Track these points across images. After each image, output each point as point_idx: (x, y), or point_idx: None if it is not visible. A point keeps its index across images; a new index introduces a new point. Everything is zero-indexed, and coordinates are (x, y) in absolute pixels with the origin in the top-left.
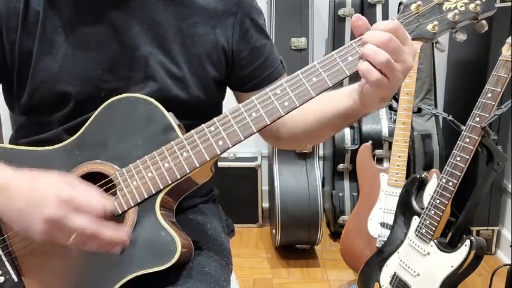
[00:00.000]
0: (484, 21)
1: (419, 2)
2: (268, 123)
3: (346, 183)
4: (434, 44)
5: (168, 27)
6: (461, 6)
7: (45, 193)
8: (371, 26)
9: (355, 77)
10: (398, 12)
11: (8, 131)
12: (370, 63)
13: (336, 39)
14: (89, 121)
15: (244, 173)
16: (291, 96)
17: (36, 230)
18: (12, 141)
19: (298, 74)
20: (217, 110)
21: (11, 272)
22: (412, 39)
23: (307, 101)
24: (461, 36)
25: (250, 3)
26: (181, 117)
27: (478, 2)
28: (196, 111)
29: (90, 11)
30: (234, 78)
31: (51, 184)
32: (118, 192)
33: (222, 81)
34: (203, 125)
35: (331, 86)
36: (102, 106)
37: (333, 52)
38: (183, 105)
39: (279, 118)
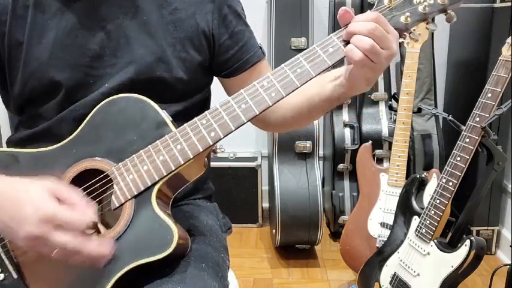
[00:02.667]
0: (452, 13)
1: None
2: (257, 113)
3: (346, 183)
4: (409, 35)
5: (151, 13)
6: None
7: (27, 209)
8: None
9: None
10: None
11: (7, 132)
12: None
13: None
14: (85, 121)
15: (244, 173)
16: (277, 87)
17: (20, 244)
18: (10, 141)
19: (283, 66)
20: (204, 95)
21: (10, 269)
22: None
23: (293, 91)
24: (432, 27)
25: None
26: (169, 101)
27: None
28: (182, 93)
29: (77, 3)
30: (216, 63)
31: (34, 198)
32: (115, 186)
33: (207, 66)
34: (195, 118)
35: (314, 76)
36: (97, 106)
37: (314, 45)
38: (168, 86)
39: (267, 108)
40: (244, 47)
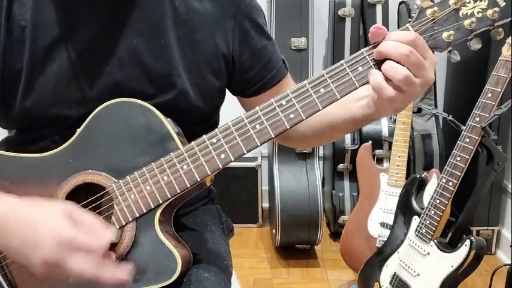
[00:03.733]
0: (500, 29)
1: (435, 8)
2: (273, 136)
3: (346, 183)
4: (449, 54)
5: (167, 34)
6: (478, 13)
7: (43, 234)
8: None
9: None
10: (398, 12)
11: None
12: (387, 77)
13: (336, 39)
14: (82, 126)
15: (244, 173)
16: (297, 109)
17: (35, 269)
18: (2, 145)
19: (305, 84)
20: (215, 117)
21: (5, 286)
22: None
23: (313, 114)
24: (476, 45)
25: (248, 2)
26: (179, 126)
27: (496, 8)
28: (195, 119)
29: (84, 26)
30: (236, 83)
31: (51, 222)
32: (115, 205)
33: (224, 89)
34: (204, 136)
35: (339, 98)
36: (96, 110)
37: (342, 61)
38: (183, 115)
39: (284, 131)
40: (267, 65)
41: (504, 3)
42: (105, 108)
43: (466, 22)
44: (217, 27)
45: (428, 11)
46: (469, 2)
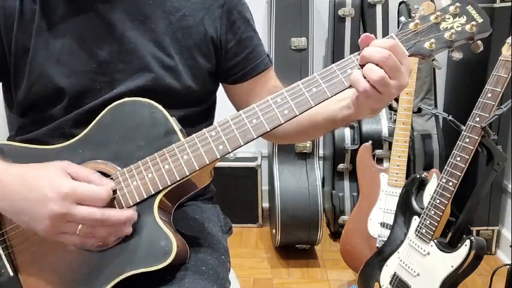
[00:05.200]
0: (479, 42)
1: (417, 21)
2: (268, 130)
3: (346, 183)
4: (431, 62)
5: (158, 21)
6: (457, 27)
7: (44, 189)
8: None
9: None
10: (398, 12)
11: (4, 133)
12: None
13: (336, 39)
14: (94, 122)
15: (244, 173)
16: (291, 105)
17: (42, 226)
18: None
19: (299, 84)
20: (210, 101)
21: (7, 266)
22: (410, 55)
23: (306, 110)
24: (457, 55)
25: None
26: (175, 107)
27: (473, 23)
28: (189, 100)
29: (84, 8)
30: (222, 69)
31: (48, 178)
32: (118, 191)
33: (214, 72)
34: (204, 130)
35: (330, 96)
36: (107, 108)
37: (333, 65)
38: (176, 94)
39: (279, 126)
40: (251, 54)
41: (482, 20)
42: (116, 106)
43: (446, 34)
44: (206, 15)
45: (411, 24)
46: (448, 18)
